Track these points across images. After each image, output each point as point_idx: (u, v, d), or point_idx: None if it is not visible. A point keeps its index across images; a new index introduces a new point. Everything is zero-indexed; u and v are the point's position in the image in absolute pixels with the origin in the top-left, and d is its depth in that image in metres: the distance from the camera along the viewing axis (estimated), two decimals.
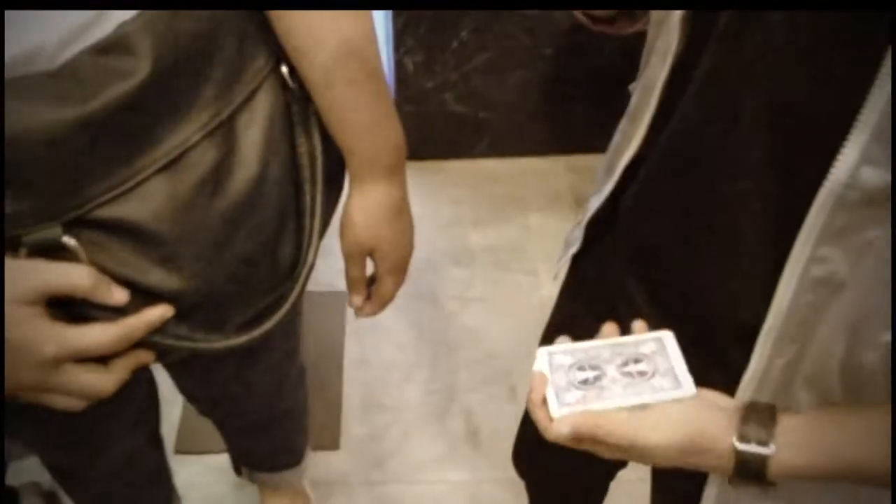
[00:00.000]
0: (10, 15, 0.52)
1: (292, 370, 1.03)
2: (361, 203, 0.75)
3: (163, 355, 0.64)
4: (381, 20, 2.01)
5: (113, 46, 0.55)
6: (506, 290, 1.79)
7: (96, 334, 0.57)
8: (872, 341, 0.50)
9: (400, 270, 0.82)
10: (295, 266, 0.70)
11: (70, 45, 0.55)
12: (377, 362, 1.66)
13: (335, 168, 0.73)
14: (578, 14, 0.71)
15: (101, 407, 0.83)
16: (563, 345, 0.60)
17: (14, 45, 0.53)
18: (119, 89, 0.55)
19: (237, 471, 1.40)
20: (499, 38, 1.91)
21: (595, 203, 0.74)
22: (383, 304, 0.83)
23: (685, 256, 0.62)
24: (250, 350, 0.88)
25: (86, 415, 0.82)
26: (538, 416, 0.58)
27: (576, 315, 0.86)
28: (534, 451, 1.03)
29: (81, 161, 0.55)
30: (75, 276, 0.56)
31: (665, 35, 0.57)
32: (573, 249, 0.81)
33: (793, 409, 0.55)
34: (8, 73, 0.53)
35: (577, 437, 0.56)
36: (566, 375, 0.57)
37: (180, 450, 1.52)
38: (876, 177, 0.44)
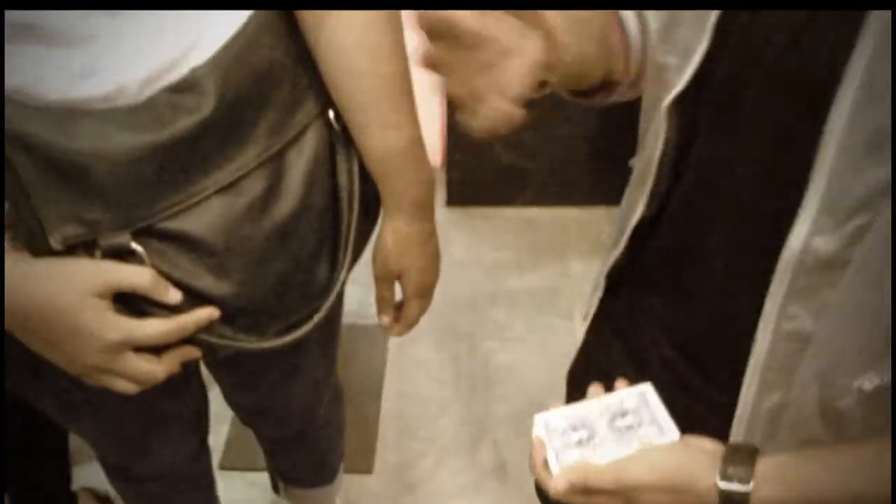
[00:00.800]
0: (102, 57, 0.63)
1: (328, 389, 1.11)
2: (392, 233, 0.83)
3: (209, 353, 0.73)
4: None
5: (185, 87, 0.66)
6: (542, 332, 1.84)
7: (153, 327, 0.66)
8: (844, 389, 0.55)
9: (425, 295, 0.89)
10: (329, 284, 0.78)
11: (151, 85, 0.65)
12: (415, 394, 1.72)
13: (371, 200, 0.82)
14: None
15: (157, 407, 0.93)
16: (557, 409, 0.66)
17: (105, 83, 0.63)
18: (187, 122, 0.65)
19: (275, 488, 1.48)
20: (549, 93, 2.01)
21: (613, 256, 0.81)
22: (409, 325, 0.91)
23: (689, 315, 0.68)
24: (290, 363, 0.97)
25: (143, 414, 0.92)
26: (541, 477, 0.63)
27: (599, 350, 0.92)
28: None
29: (153, 180, 0.65)
30: (139, 277, 0.65)
31: (655, 122, 0.64)
32: (598, 294, 0.87)
33: (780, 451, 0.59)
34: (99, 106, 0.64)
35: (574, 489, 0.60)
36: (562, 438, 0.63)
37: (225, 466, 1.60)
38: (826, 244, 0.50)
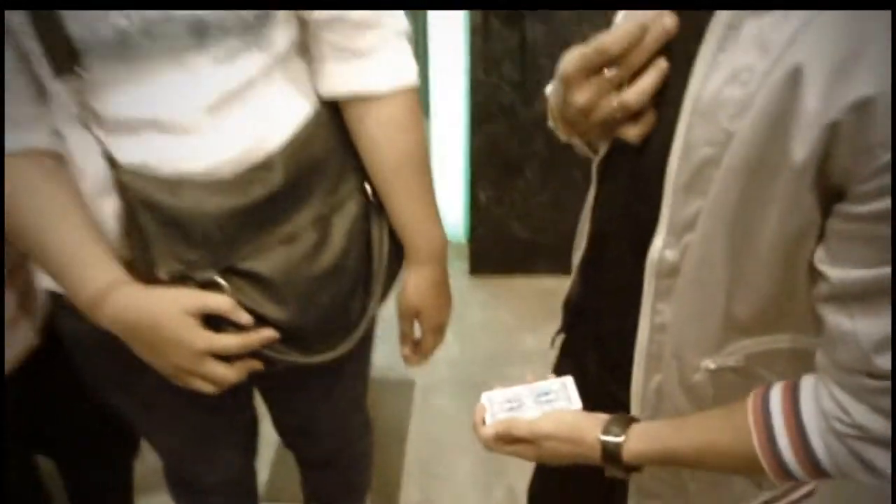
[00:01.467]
0: (204, 145, 0.85)
1: (359, 415, 1.30)
2: (412, 279, 1.04)
3: (268, 365, 0.93)
4: (462, 158, 2.37)
5: (262, 166, 0.88)
6: None
7: (228, 340, 0.87)
8: (694, 367, 0.73)
9: (438, 331, 1.09)
10: (362, 315, 0.99)
11: (237, 165, 0.87)
12: (436, 439, 1.89)
13: (396, 254, 1.03)
14: (581, 146, 0.93)
15: (218, 419, 1.12)
16: (499, 389, 0.86)
17: (205, 163, 0.85)
18: (261, 192, 0.87)
19: None
20: (560, 176, 2.23)
21: (566, 290, 1.00)
22: (425, 356, 1.10)
23: (607, 330, 0.87)
24: (328, 384, 1.17)
25: (206, 423, 1.11)
26: (479, 431, 0.83)
27: (561, 371, 1.10)
28: (545, 490, 1.24)
29: (234, 232, 0.87)
30: (221, 302, 0.86)
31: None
32: (559, 326, 1.06)
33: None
34: (200, 179, 0.86)
35: (500, 437, 0.80)
36: (499, 406, 0.83)
37: (268, 497, 1.78)
38: (672, 256, 0.68)
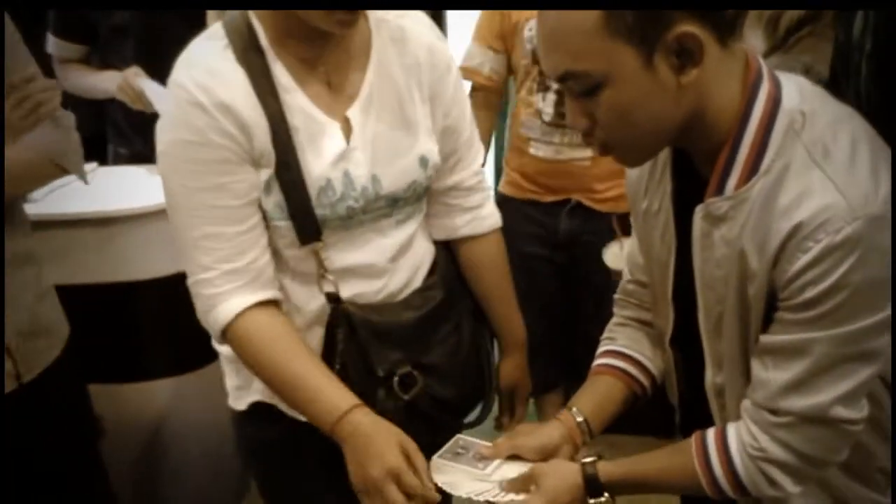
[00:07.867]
0: (388, 282, 1.18)
1: None
2: (507, 362, 1.38)
3: (435, 425, 1.19)
4: None
5: (428, 289, 1.21)
6: None
7: (413, 479, 0.98)
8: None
9: (525, 402, 1.41)
10: (490, 386, 1.34)
11: (408, 290, 1.20)
12: None
13: (491, 342, 1.38)
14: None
15: None
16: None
17: (390, 291, 1.17)
18: (430, 305, 1.20)
19: None
20: None
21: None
22: (518, 422, 1.41)
23: None
24: None
25: None
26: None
27: None
28: None
29: (415, 336, 1.18)
30: (412, 445, 1.02)
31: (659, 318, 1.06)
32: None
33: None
34: (387, 301, 1.17)
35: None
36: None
37: None
38: (718, 378, 0.94)
